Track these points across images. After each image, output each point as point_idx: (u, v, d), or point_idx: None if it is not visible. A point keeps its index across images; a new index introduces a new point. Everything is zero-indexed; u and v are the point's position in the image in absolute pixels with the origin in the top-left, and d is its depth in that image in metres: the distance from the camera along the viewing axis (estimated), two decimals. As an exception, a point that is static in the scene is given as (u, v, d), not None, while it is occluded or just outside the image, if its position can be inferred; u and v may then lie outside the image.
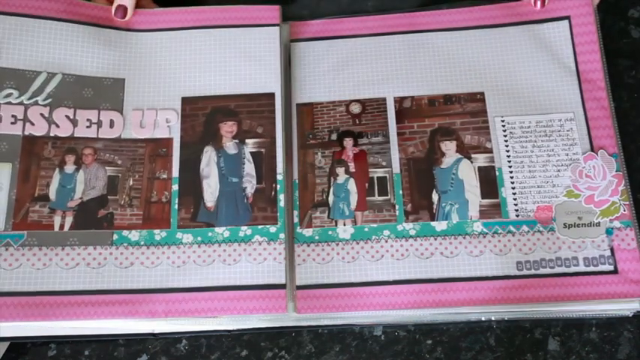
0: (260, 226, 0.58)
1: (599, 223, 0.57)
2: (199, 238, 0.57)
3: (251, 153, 0.60)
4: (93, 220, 0.58)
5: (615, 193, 0.58)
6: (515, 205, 0.58)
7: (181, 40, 0.63)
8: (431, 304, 0.55)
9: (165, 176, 0.60)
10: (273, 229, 0.58)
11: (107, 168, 0.60)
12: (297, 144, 0.61)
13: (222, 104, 0.61)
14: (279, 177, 0.59)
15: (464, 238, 0.57)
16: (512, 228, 0.57)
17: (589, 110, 0.60)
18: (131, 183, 0.59)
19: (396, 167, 0.60)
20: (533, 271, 0.56)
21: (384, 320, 0.57)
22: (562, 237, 0.57)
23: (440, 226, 0.58)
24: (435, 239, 0.57)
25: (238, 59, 0.62)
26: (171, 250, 0.57)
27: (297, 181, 0.60)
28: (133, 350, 0.58)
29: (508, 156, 0.60)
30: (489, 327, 0.58)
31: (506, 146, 0.60)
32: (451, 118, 0.61)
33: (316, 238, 0.58)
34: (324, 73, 0.63)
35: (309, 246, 0.58)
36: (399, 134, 0.61)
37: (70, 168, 0.59)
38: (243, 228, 0.58)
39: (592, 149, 0.59)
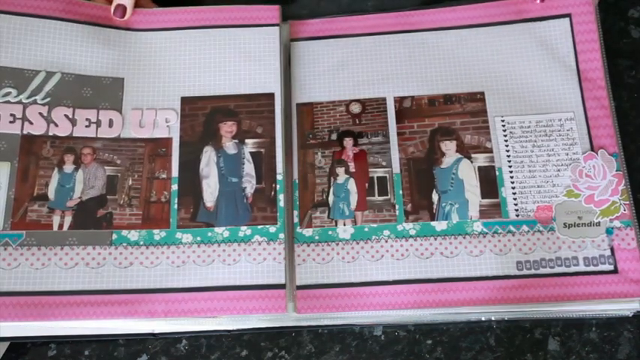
0: (260, 226, 0.58)
1: (599, 222, 0.57)
2: (199, 238, 0.57)
3: (251, 153, 0.60)
4: (92, 219, 0.58)
5: (615, 192, 0.58)
6: (515, 204, 0.58)
7: (181, 39, 0.63)
8: (431, 304, 0.55)
9: (164, 176, 0.59)
10: (272, 229, 0.57)
11: (106, 167, 0.59)
12: (297, 144, 0.61)
13: (221, 104, 0.61)
14: (279, 177, 0.59)
15: (464, 238, 0.57)
16: (512, 228, 0.57)
17: (589, 110, 0.60)
18: (130, 183, 0.59)
19: (396, 167, 0.60)
20: (533, 271, 0.56)
21: (384, 320, 0.57)
22: (562, 237, 0.57)
23: (440, 226, 0.58)
24: (435, 239, 0.57)
25: (238, 59, 0.62)
26: (170, 250, 0.57)
27: (297, 181, 0.60)
28: (133, 350, 0.58)
29: (508, 156, 0.59)
30: (489, 327, 0.58)
31: (506, 146, 0.60)
32: (451, 118, 0.61)
33: (316, 238, 0.58)
34: (324, 72, 0.63)
35: (309, 246, 0.58)
36: (399, 134, 0.61)
37: (69, 167, 0.59)
38: (243, 228, 0.58)
39: (592, 149, 0.59)
